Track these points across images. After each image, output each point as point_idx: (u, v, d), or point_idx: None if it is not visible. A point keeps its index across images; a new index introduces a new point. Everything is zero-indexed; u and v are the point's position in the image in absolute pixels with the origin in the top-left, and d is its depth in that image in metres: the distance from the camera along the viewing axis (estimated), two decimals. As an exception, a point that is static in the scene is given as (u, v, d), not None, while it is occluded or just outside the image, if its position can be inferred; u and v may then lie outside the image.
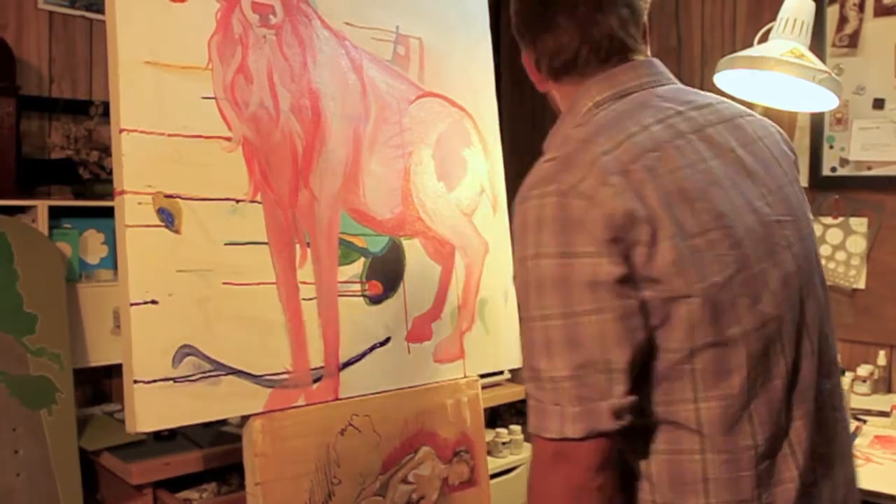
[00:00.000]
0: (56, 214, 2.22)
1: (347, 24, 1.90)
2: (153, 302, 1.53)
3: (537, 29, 1.08)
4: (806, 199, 1.11)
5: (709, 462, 0.95)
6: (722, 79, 2.11)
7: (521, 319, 0.97)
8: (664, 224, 0.90)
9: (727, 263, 0.94)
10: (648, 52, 1.12)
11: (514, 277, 0.99)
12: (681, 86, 1.09)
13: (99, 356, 2.25)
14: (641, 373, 0.93)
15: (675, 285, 0.91)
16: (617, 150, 0.94)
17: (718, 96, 1.11)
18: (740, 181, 1.00)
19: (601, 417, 0.89)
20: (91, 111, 2.34)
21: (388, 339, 1.90)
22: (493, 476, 2.46)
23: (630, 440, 0.97)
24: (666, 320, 0.92)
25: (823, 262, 2.64)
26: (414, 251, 1.98)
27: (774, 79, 1.98)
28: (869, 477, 1.81)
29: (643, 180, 0.92)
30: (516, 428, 2.82)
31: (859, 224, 2.58)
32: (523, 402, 2.97)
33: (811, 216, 1.11)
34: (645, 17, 1.12)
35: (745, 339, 0.95)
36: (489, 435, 2.61)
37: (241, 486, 1.75)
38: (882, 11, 2.52)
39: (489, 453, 2.49)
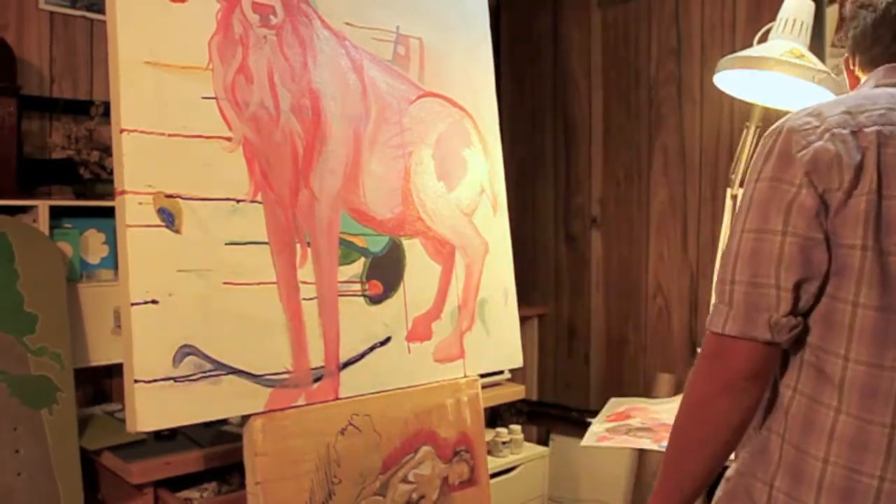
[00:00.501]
0: (57, 214, 2.22)
1: (348, 24, 1.90)
2: (154, 302, 1.54)
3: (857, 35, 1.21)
4: None
5: (840, 422, 1.01)
6: (721, 79, 2.11)
7: (731, 233, 1.08)
8: (869, 179, 0.99)
9: None
10: None
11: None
12: None
13: (100, 356, 2.25)
14: (809, 311, 1.02)
15: (857, 235, 0.98)
16: (860, 115, 1.03)
17: None
18: None
19: (758, 324, 1.00)
20: (92, 111, 2.34)
21: (388, 339, 1.90)
22: (493, 476, 2.47)
23: (785, 371, 1.06)
24: (840, 267, 1.00)
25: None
26: (414, 251, 1.98)
27: (774, 79, 1.99)
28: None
29: (870, 142, 1.01)
30: (516, 427, 2.82)
31: (859, 224, 2.58)
32: (523, 401, 3.00)
33: None
34: None
35: None
36: (489, 434, 2.61)
37: (242, 486, 1.75)
38: (881, 11, 2.52)
39: (489, 453, 2.49)
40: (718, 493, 1.15)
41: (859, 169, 1.00)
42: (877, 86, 1.14)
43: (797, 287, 1.00)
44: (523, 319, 2.51)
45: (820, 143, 1.01)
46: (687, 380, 1.10)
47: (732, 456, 1.13)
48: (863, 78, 1.21)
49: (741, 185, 2.24)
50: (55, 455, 1.96)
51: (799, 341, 1.04)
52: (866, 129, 1.02)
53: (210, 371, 1.59)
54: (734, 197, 2.23)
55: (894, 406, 0.99)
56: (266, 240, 1.70)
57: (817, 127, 1.03)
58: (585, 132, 3.12)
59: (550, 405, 3.22)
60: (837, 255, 1.01)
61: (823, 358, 1.03)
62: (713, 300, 1.08)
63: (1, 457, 1.89)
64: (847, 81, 1.30)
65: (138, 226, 1.53)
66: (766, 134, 1.10)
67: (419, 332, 1.97)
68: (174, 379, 1.54)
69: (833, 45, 2.59)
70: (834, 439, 1.01)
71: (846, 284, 1.00)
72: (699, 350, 1.10)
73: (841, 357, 1.01)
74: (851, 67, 1.25)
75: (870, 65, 1.19)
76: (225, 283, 1.63)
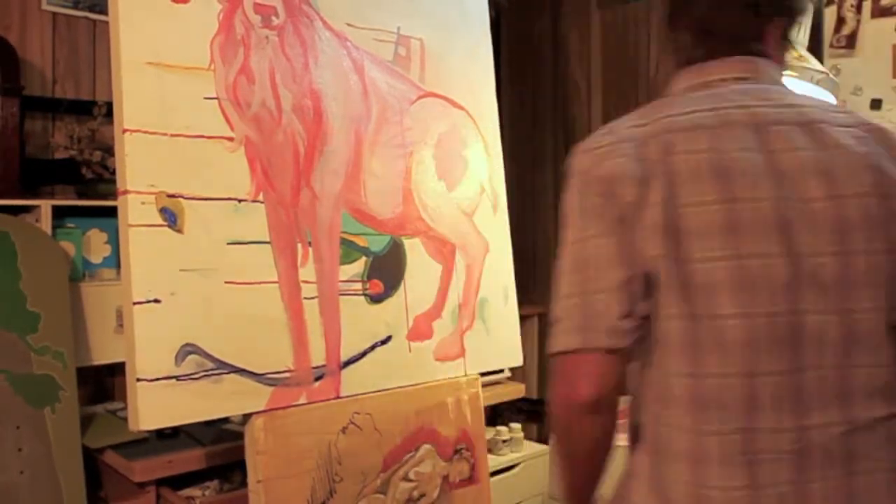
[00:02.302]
0: (59, 214, 2.23)
1: (349, 25, 1.91)
2: (156, 301, 1.54)
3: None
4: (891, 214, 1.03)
5: (682, 440, 0.98)
6: (720, 79, 2.12)
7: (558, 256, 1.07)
8: (657, 189, 0.97)
9: (718, 247, 0.96)
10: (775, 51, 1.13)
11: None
12: (771, 86, 1.09)
13: (102, 355, 2.26)
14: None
15: (656, 246, 0.97)
16: (648, 126, 1.03)
17: (820, 100, 1.11)
18: (795, 177, 0.99)
19: (597, 332, 0.97)
20: (94, 111, 2.35)
21: (389, 338, 1.91)
22: (494, 474, 2.47)
23: (638, 390, 1.03)
24: (652, 286, 0.98)
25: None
26: (415, 250, 1.99)
27: (772, 79, 1.99)
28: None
29: (657, 152, 0.99)
30: (516, 426, 2.83)
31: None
32: (523, 400, 3.00)
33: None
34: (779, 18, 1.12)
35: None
36: (489, 433, 2.62)
37: (244, 484, 1.76)
38: (879, 12, 2.53)
39: (489, 451, 2.50)
40: None
41: (646, 181, 0.98)
42: (682, 91, 1.11)
43: (624, 285, 0.97)
44: (523, 318, 2.52)
45: (609, 160, 1.01)
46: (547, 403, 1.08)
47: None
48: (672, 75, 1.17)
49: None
50: (58, 453, 1.97)
51: (640, 360, 1.02)
52: (652, 140, 1.01)
53: (212, 370, 1.60)
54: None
55: (725, 413, 0.96)
56: (268, 239, 1.71)
57: (607, 144, 1.04)
58: (585, 132, 3.11)
59: (550, 404, 3.22)
60: (649, 267, 0.98)
61: (656, 375, 1.00)
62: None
63: (4, 455, 1.90)
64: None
65: (141, 225, 1.54)
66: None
67: (420, 330, 1.98)
68: (176, 378, 1.55)
69: (831, 46, 2.60)
70: (681, 458, 0.98)
71: (655, 297, 0.98)
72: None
73: (668, 373, 0.98)
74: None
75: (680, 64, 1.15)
76: (227, 282, 1.64)
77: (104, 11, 1.99)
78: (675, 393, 0.98)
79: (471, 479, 2.05)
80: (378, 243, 1.92)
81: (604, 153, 1.03)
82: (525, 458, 2.78)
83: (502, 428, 2.78)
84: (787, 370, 0.95)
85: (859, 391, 0.97)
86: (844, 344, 0.96)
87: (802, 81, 1.93)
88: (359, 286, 1.87)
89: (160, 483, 1.99)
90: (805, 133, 1.02)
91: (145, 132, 1.56)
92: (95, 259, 2.34)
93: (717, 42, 1.10)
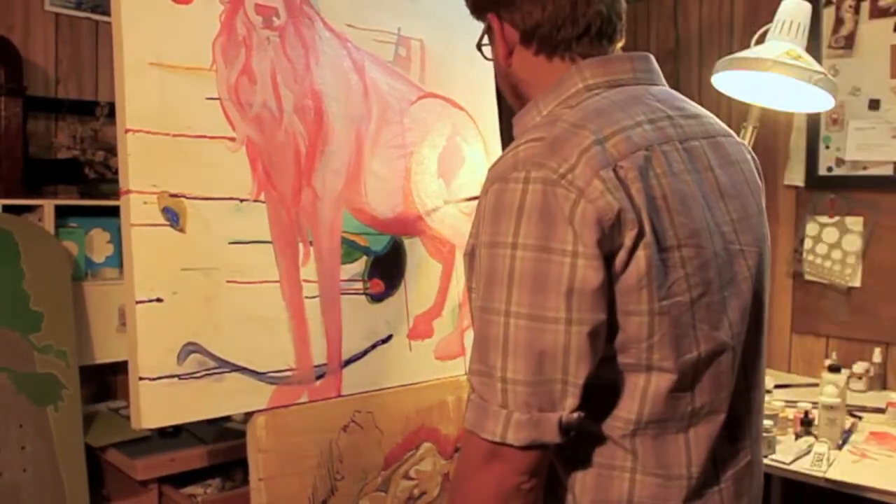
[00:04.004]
0: (62, 214, 2.24)
1: (349, 25, 1.92)
2: (158, 300, 1.54)
3: None
4: (768, 232, 1.04)
5: (637, 483, 0.91)
6: (719, 80, 2.13)
7: (478, 308, 0.90)
8: (646, 230, 0.84)
9: (694, 284, 0.89)
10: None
11: (474, 258, 0.90)
12: (671, 90, 1.02)
13: (104, 353, 2.27)
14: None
15: (641, 300, 0.85)
16: (609, 141, 0.87)
17: (705, 110, 1.05)
18: (713, 202, 0.94)
19: (548, 429, 0.84)
20: (97, 112, 2.36)
21: (389, 337, 1.91)
22: (494, 472, 2.48)
23: (561, 448, 0.91)
24: (626, 336, 0.87)
25: (819, 260, 2.66)
26: (415, 250, 1.99)
27: (771, 80, 2.00)
28: (864, 473, 1.83)
29: (633, 179, 0.85)
30: (516, 425, 2.84)
31: (855, 223, 2.60)
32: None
33: (768, 251, 1.04)
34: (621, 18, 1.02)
35: (696, 366, 0.90)
36: (489, 432, 2.63)
37: (245, 482, 1.77)
38: (877, 13, 2.54)
39: (489, 450, 2.51)
40: None
41: (638, 218, 0.83)
42: (588, 89, 0.95)
43: (588, 381, 0.85)
44: (523, 318, 2.52)
45: (595, 194, 0.82)
46: (451, 494, 0.94)
47: None
48: (548, 68, 1.00)
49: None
50: (60, 451, 1.98)
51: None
52: (623, 163, 0.85)
53: (214, 369, 1.61)
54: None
55: (687, 460, 0.92)
56: (269, 239, 1.71)
57: (574, 169, 0.83)
58: (585, 132, 3.13)
59: (550, 403, 3.23)
60: (621, 323, 0.86)
61: (613, 425, 0.91)
62: (471, 394, 0.89)
63: (7, 453, 1.91)
64: (497, 53, 1.07)
65: (143, 225, 1.54)
66: (497, 177, 0.87)
67: (420, 329, 1.98)
68: (178, 376, 1.55)
69: (830, 47, 2.61)
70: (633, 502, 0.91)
71: (633, 351, 0.87)
72: (461, 455, 0.92)
73: (632, 422, 0.90)
74: (523, 46, 1.02)
75: (562, 52, 0.98)
76: (228, 281, 1.64)
77: (107, 12, 2.00)
78: (637, 437, 0.91)
79: (471, 478, 2.06)
80: (379, 243, 1.92)
81: (584, 183, 0.83)
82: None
83: (502, 427, 2.79)
84: None
85: None
86: None
87: (800, 81, 1.94)
88: (360, 285, 1.87)
89: (162, 481, 2.00)
90: (712, 148, 0.98)
91: (147, 132, 1.57)
92: (98, 258, 2.36)
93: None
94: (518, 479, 0.86)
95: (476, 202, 0.92)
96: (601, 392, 0.89)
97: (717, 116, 1.07)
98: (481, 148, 2.18)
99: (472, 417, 0.87)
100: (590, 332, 0.83)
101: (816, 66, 1.97)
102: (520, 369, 0.84)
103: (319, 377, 1.77)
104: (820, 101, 2.03)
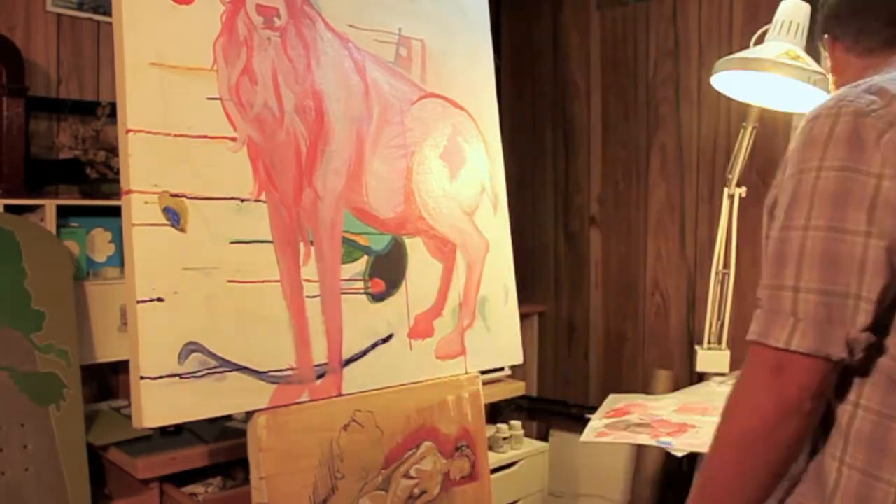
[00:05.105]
0: (64, 213, 2.24)
1: (350, 26, 1.92)
2: (159, 299, 1.55)
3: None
4: None
5: None
6: (719, 80, 2.13)
7: (776, 231, 0.92)
8: None
9: None
10: None
11: (775, 208, 0.94)
12: None
13: (106, 353, 2.27)
14: (885, 317, 0.89)
15: None
16: None
17: None
18: None
19: (834, 341, 0.86)
20: (98, 112, 2.36)
21: (390, 336, 1.92)
22: (494, 471, 2.49)
23: (843, 385, 0.92)
24: None
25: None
26: (416, 249, 2.00)
27: (770, 80, 2.01)
28: None
29: None
30: (516, 423, 2.85)
31: (855, 223, 2.60)
32: (523, 397, 3.01)
33: None
34: None
35: None
36: (490, 430, 2.63)
37: (246, 481, 1.77)
38: (878, 13, 2.53)
39: (490, 448, 2.51)
40: None
41: None
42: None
43: (881, 297, 0.87)
44: (523, 317, 2.53)
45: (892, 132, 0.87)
46: (728, 406, 0.93)
47: None
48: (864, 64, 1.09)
49: (738, 184, 2.26)
50: (62, 450, 1.98)
51: (871, 355, 0.91)
52: None
53: (215, 368, 1.61)
54: (731, 196, 2.26)
55: None
56: (270, 238, 1.72)
57: (885, 107, 0.89)
58: (584, 132, 3.14)
59: (550, 401, 3.24)
60: None
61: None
62: (759, 306, 0.92)
63: (9, 452, 1.92)
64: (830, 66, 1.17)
65: (144, 224, 1.55)
66: (810, 117, 0.95)
67: (421, 329, 1.99)
68: (179, 376, 1.56)
69: (829, 47, 2.61)
70: None
71: None
72: (744, 368, 0.92)
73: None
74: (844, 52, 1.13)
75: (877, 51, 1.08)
76: (229, 281, 1.65)
77: (108, 13, 2.01)
78: None
79: (471, 476, 2.07)
80: (379, 242, 1.93)
81: (891, 118, 0.88)
82: (525, 455, 2.80)
83: (503, 425, 2.80)
84: None
85: None
86: None
87: (800, 82, 1.94)
88: (360, 285, 1.88)
89: (164, 480, 2.00)
90: None
91: (149, 132, 1.57)
92: (99, 258, 2.36)
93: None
94: (800, 396, 0.87)
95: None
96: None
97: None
98: (482, 148, 2.19)
99: (758, 328, 0.90)
100: (888, 246, 0.86)
101: (816, 67, 1.97)
102: (813, 278, 0.87)
103: (320, 376, 1.77)
104: (819, 102, 2.03)
